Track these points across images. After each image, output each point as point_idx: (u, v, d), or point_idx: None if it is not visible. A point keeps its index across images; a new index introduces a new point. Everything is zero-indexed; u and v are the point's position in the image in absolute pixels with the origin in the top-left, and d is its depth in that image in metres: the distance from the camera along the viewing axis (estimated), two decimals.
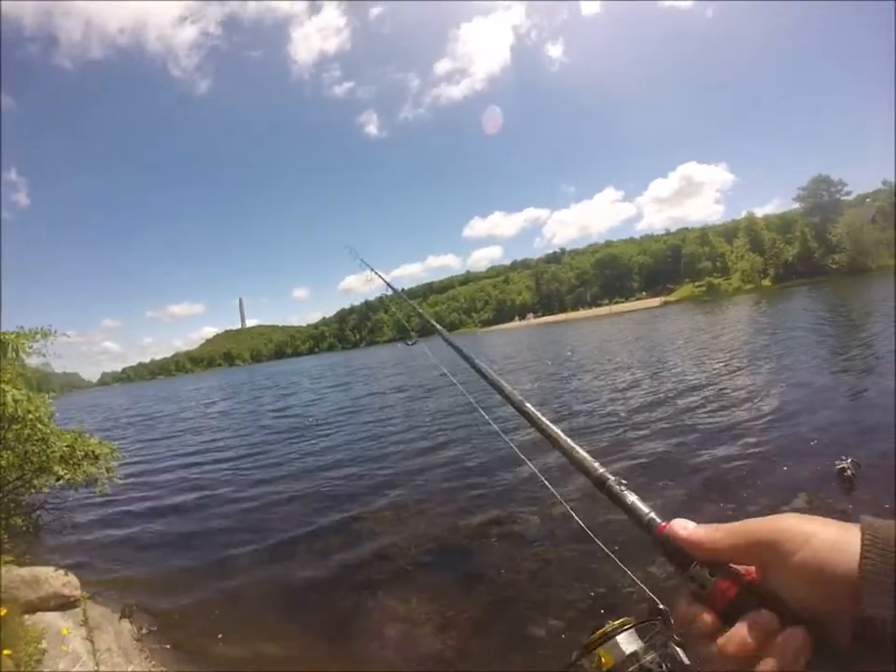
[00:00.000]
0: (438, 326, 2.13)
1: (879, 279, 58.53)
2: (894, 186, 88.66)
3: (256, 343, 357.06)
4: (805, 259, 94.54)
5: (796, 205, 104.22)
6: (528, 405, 1.22)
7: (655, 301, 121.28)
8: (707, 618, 0.67)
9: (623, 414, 13.77)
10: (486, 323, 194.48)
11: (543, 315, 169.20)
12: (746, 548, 0.66)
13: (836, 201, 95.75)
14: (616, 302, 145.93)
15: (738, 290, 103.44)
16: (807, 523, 0.63)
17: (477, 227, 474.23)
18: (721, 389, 15.05)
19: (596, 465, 0.97)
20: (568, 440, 1.04)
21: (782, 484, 7.92)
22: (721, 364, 19.36)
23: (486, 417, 1.60)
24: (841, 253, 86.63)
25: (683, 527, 0.74)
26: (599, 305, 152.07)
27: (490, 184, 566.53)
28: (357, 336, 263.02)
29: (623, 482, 0.91)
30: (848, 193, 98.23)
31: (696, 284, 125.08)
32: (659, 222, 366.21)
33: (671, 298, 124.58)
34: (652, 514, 0.83)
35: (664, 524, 0.79)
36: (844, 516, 4.05)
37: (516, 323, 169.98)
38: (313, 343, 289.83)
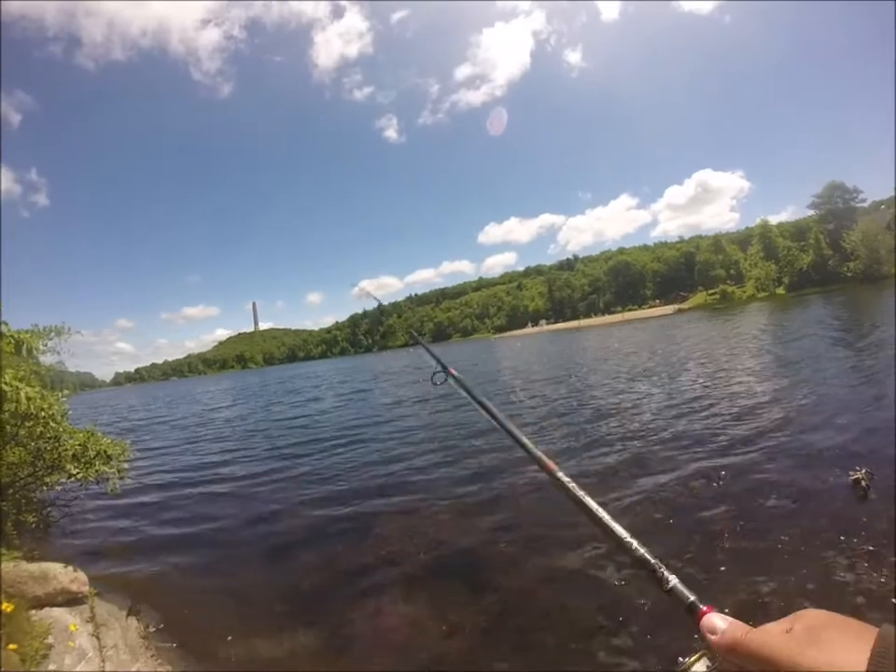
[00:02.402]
0: (442, 363, 2.36)
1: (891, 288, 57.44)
2: None
3: (268, 347, 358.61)
4: (819, 266, 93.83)
5: (811, 213, 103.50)
6: (555, 467, 1.32)
7: (669, 309, 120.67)
8: None
9: (636, 423, 13.72)
10: (499, 329, 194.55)
11: (556, 322, 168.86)
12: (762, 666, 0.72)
13: (851, 208, 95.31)
14: (629, 310, 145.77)
15: (752, 298, 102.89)
16: (826, 650, 0.64)
17: (492, 233, 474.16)
18: (733, 399, 14.97)
19: (635, 545, 1.04)
20: (603, 513, 1.11)
21: (796, 496, 7.84)
22: (734, 373, 19.27)
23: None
24: (856, 260, 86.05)
25: (713, 630, 0.83)
26: (612, 313, 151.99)
27: (507, 189, 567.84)
28: (370, 341, 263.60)
29: (662, 566, 0.99)
30: (863, 200, 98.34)
31: (710, 292, 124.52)
32: (674, 229, 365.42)
33: (684, 305, 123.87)
34: (693, 599, 0.92)
35: (704, 608, 0.89)
36: (859, 527, 4.00)
37: (529, 329, 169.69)
38: (325, 348, 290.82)
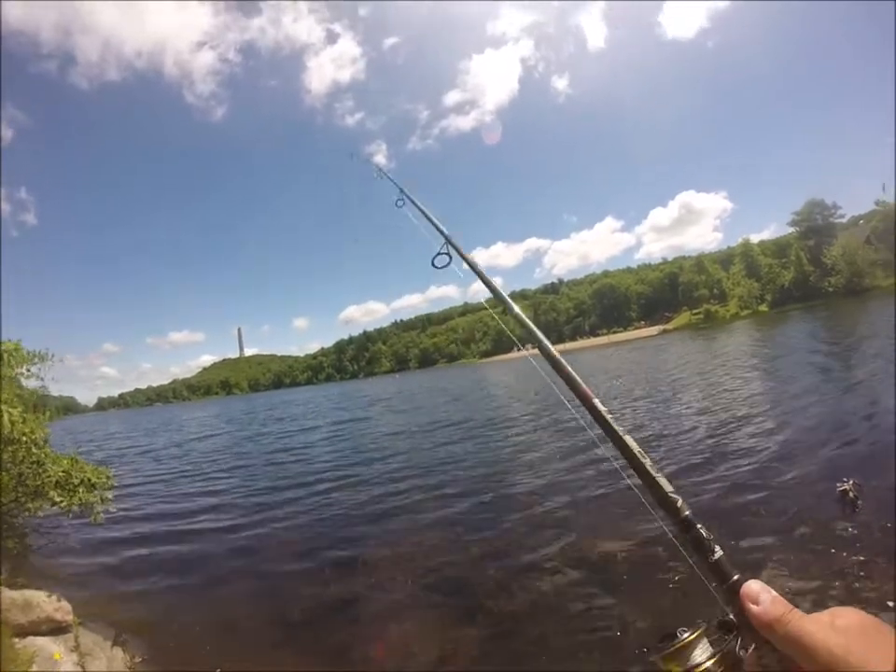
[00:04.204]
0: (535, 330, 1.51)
1: (876, 299, 59.14)
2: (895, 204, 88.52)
3: (254, 373, 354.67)
4: (800, 282, 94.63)
5: (791, 230, 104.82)
6: (591, 394, 1.14)
7: (654, 330, 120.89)
8: None
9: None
10: (485, 354, 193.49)
11: None
12: (801, 660, 0.68)
13: (830, 224, 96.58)
14: (614, 332, 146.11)
15: (736, 316, 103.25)
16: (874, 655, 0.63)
17: (479, 257, 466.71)
18: (720, 416, 15.08)
19: (680, 503, 0.91)
20: (650, 467, 0.96)
21: (786, 508, 7.89)
22: (720, 391, 19.45)
23: (598, 443, 1.28)
24: (836, 275, 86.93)
25: (755, 599, 0.76)
26: (598, 335, 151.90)
27: (494, 214, 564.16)
28: (355, 367, 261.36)
29: (710, 534, 0.88)
30: (842, 216, 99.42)
31: (694, 311, 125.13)
32: (658, 251, 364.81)
33: (669, 326, 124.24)
34: (737, 577, 0.82)
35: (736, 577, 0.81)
36: (848, 538, 4.04)
37: (515, 353, 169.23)
38: (311, 374, 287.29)
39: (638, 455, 0.98)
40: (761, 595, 0.76)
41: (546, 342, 1.28)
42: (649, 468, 0.96)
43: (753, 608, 0.75)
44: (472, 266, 1.87)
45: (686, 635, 0.80)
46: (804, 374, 19.48)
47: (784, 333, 43.15)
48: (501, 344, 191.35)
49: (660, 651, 0.80)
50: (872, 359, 19.48)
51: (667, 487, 0.93)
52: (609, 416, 1.08)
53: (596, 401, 1.13)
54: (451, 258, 2.07)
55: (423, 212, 2.55)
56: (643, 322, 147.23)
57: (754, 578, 0.80)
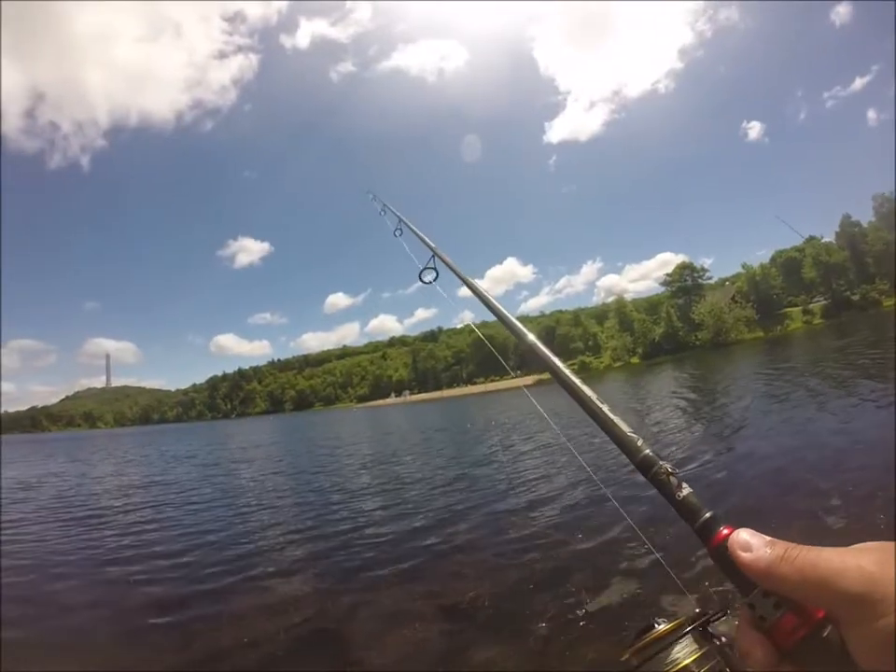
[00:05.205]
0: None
1: (739, 351, 64.71)
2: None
3: (120, 406, 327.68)
4: (670, 336, 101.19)
5: (663, 290, 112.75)
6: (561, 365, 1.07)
7: (529, 380, 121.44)
8: (764, 654, 0.60)
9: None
10: (362, 399, 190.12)
11: (419, 392, 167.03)
12: (820, 594, 0.55)
13: (698, 284, 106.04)
14: (492, 380, 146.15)
15: (609, 367, 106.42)
16: None
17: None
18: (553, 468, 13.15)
19: (640, 443, 0.85)
20: (608, 411, 0.92)
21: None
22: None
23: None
24: (704, 330, 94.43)
25: (746, 547, 0.63)
26: (475, 383, 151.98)
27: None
28: (229, 406, 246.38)
29: (675, 470, 0.79)
30: (710, 278, 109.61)
31: (569, 362, 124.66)
32: (545, 303, 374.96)
33: (544, 376, 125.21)
34: (709, 515, 0.72)
35: (725, 530, 0.69)
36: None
37: (392, 399, 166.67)
38: (181, 411, 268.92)
39: (596, 400, 0.94)
40: (752, 541, 0.63)
41: (556, 359, 1.11)
42: (606, 411, 0.92)
43: (745, 555, 0.63)
44: (463, 279, 1.81)
45: (660, 626, 0.73)
46: (661, 422, 18.12)
47: (649, 382, 43.99)
48: (379, 390, 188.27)
49: (632, 645, 0.73)
50: (732, 403, 19.23)
51: (625, 427, 0.88)
52: (559, 365, 1.06)
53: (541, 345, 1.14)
54: (437, 273, 2.10)
55: (410, 228, 2.61)
56: (520, 372, 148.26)
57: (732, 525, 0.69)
